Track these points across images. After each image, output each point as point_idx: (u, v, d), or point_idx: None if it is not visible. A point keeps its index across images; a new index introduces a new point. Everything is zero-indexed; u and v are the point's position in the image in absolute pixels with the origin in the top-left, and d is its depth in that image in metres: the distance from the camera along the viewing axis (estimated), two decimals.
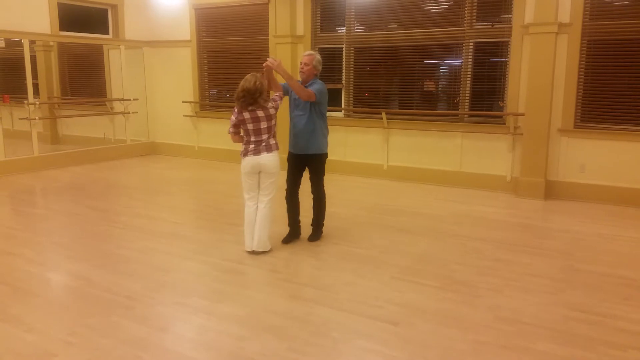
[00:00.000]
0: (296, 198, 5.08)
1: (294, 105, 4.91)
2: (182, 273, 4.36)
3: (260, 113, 4.50)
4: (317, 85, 4.78)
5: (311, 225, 5.20)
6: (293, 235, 5.13)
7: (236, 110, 4.53)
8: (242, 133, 4.66)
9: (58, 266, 4.59)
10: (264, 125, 4.54)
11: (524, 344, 3.22)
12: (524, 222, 5.98)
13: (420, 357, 3.07)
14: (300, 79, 4.87)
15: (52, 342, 3.20)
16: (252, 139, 4.57)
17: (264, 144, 4.56)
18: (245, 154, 4.61)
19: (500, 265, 4.53)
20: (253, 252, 4.73)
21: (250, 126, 4.53)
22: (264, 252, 4.73)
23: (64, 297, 3.99)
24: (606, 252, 4.95)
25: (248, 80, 4.42)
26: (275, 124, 4.65)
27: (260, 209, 4.69)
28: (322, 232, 5.23)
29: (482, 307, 3.72)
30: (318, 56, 4.84)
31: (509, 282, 4.16)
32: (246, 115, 4.50)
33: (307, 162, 4.97)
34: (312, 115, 4.82)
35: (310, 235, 5.17)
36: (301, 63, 4.82)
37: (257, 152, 4.56)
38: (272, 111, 4.55)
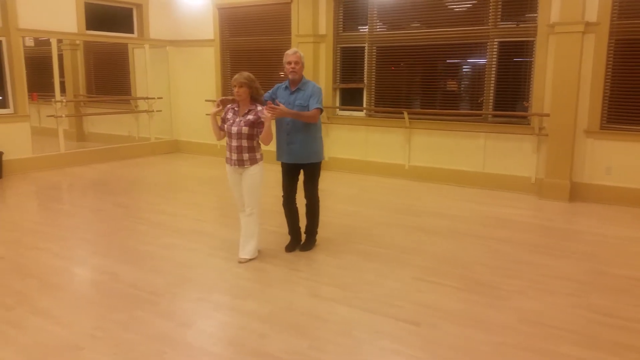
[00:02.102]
0: (294, 205, 4.81)
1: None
2: (204, 269, 4.41)
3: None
4: (315, 96, 4.46)
5: (304, 233, 4.92)
6: (295, 242, 4.87)
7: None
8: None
9: (84, 261, 4.68)
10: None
11: (548, 346, 3.18)
12: (548, 224, 5.90)
13: (442, 359, 3.06)
14: (290, 79, 4.54)
15: (78, 336, 3.27)
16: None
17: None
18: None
19: (523, 267, 4.48)
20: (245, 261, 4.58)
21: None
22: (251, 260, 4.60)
23: (89, 291, 4.06)
24: (633, 255, 4.85)
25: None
26: None
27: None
28: (315, 241, 4.94)
29: (505, 309, 3.69)
30: (301, 52, 4.56)
31: (533, 284, 4.11)
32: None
33: (302, 168, 4.69)
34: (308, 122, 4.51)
35: (303, 244, 4.86)
36: (290, 63, 4.44)
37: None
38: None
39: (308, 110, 4.46)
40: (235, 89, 4.31)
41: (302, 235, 4.96)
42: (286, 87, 4.60)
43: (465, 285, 4.10)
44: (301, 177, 4.81)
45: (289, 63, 4.46)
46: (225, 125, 4.42)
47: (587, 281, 4.22)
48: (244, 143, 4.34)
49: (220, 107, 4.49)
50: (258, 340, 3.23)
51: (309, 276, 4.29)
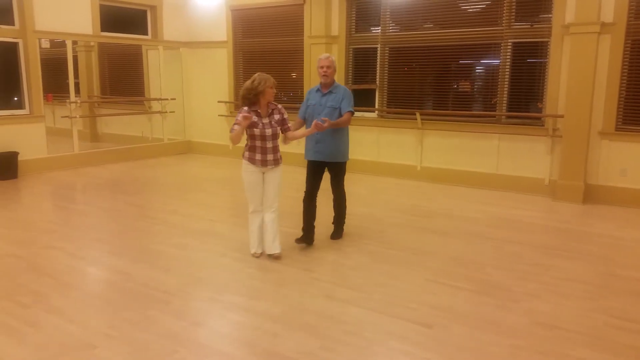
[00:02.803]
0: (314, 202, 4.96)
1: (314, 112, 4.77)
2: (217, 269, 4.44)
3: (265, 120, 4.42)
4: (347, 100, 4.75)
5: (332, 223, 5.22)
6: (306, 237, 4.94)
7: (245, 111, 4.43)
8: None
9: (98, 260, 4.72)
10: (269, 132, 4.44)
11: (562, 350, 3.15)
12: (562, 226, 5.85)
13: None
14: (322, 83, 4.81)
15: (93, 334, 3.30)
16: (259, 144, 4.48)
17: (270, 155, 4.49)
18: (251, 161, 4.53)
19: (537, 270, 4.44)
20: (274, 257, 4.65)
21: (257, 132, 4.43)
22: (279, 255, 4.65)
23: (103, 290, 4.10)
24: None
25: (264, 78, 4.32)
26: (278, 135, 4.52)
27: (269, 218, 4.61)
28: (343, 230, 5.26)
29: (519, 311, 3.66)
30: (333, 57, 4.83)
31: (547, 287, 4.08)
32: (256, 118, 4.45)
33: (328, 167, 4.94)
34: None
35: (333, 233, 5.21)
36: (322, 67, 4.70)
37: (264, 163, 4.50)
38: (276, 117, 4.46)
39: (340, 112, 4.76)
40: (274, 90, 4.39)
41: (314, 233, 5.04)
42: (318, 90, 4.87)
43: (478, 287, 4.08)
44: (326, 175, 5.01)
45: (322, 67, 4.72)
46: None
47: (601, 284, 4.18)
48: (277, 142, 4.53)
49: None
50: (270, 340, 3.24)
51: (320, 277, 4.29)
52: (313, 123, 4.41)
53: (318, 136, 4.72)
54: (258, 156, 4.45)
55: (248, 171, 4.54)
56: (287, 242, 5.03)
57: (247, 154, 4.53)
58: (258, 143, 4.43)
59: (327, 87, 4.80)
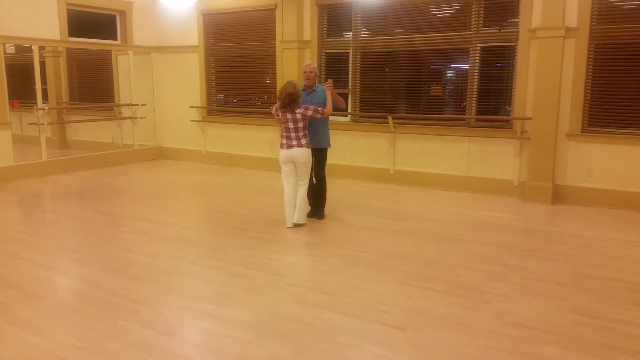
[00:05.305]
0: (311, 181, 5.93)
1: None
2: (189, 277, 4.38)
3: (289, 116, 5.46)
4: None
5: (312, 204, 6.06)
6: (312, 210, 6.08)
7: (275, 107, 5.57)
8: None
9: (66, 270, 4.61)
10: (291, 125, 5.48)
11: (532, 349, 3.20)
12: (531, 226, 5.95)
13: None
14: (306, 84, 5.82)
15: (60, 346, 3.22)
16: (284, 134, 5.56)
17: (294, 140, 5.49)
18: (281, 146, 5.58)
19: (507, 270, 4.51)
20: (295, 225, 5.64)
21: (283, 125, 5.52)
22: (302, 225, 5.68)
23: (71, 300, 4.01)
24: (615, 257, 4.91)
25: (289, 86, 5.37)
26: (304, 126, 5.51)
27: (300, 191, 5.62)
28: (324, 211, 6.11)
29: (490, 312, 3.71)
30: (314, 64, 5.90)
31: (517, 287, 4.14)
32: (280, 115, 5.49)
33: (314, 152, 5.80)
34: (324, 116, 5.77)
35: (315, 213, 6.06)
36: (305, 72, 5.80)
37: (289, 146, 5.51)
38: (298, 116, 5.45)
39: (324, 106, 5.76)
40: None
41: (320, 209, 6.10)
42: (303, 89, 5.82)
43: (450, 289, 4.11)
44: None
45: (305, 72, 5.81)
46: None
47: (570, 283, 4.26)
48: None
49: None
50: (242, 347, 3.21)
51: (294, 282, 4.27)
52: (326, 85, 5.74)
53: (311, 128, 5.73)
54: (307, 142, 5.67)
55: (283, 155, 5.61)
56: (261, 247, 5.02)
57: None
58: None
59: (310, 87, 5.82)
